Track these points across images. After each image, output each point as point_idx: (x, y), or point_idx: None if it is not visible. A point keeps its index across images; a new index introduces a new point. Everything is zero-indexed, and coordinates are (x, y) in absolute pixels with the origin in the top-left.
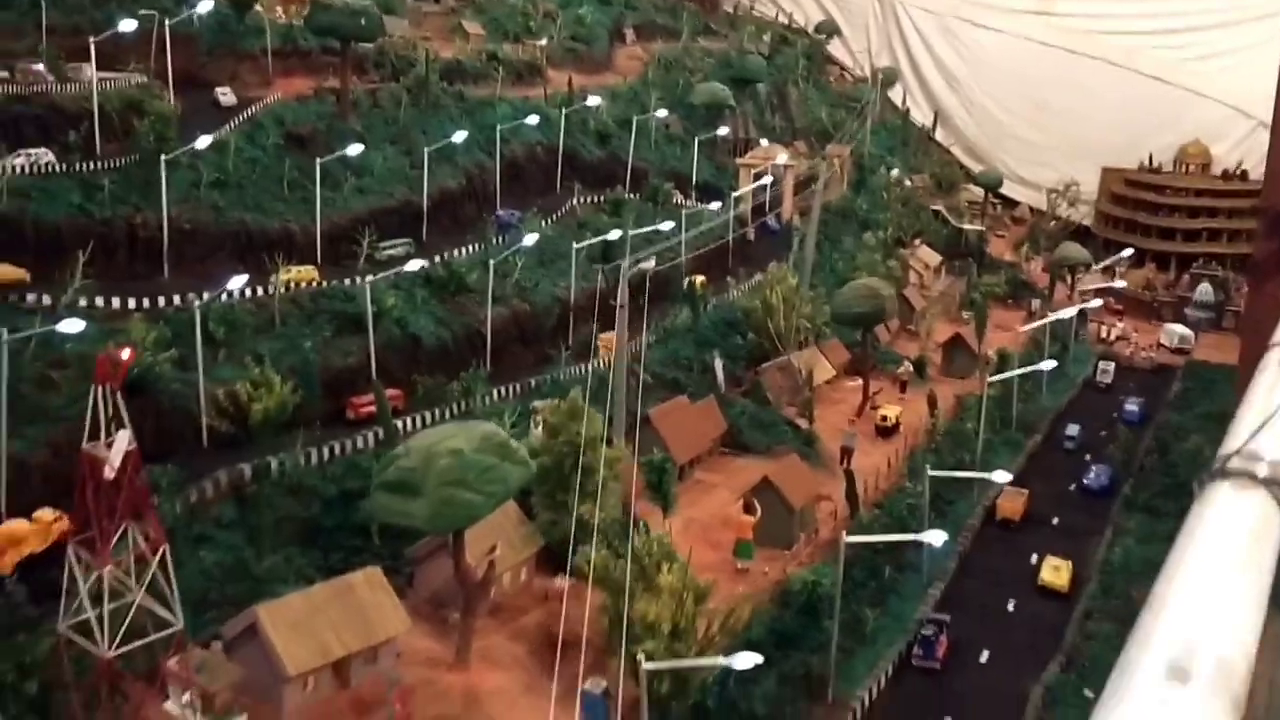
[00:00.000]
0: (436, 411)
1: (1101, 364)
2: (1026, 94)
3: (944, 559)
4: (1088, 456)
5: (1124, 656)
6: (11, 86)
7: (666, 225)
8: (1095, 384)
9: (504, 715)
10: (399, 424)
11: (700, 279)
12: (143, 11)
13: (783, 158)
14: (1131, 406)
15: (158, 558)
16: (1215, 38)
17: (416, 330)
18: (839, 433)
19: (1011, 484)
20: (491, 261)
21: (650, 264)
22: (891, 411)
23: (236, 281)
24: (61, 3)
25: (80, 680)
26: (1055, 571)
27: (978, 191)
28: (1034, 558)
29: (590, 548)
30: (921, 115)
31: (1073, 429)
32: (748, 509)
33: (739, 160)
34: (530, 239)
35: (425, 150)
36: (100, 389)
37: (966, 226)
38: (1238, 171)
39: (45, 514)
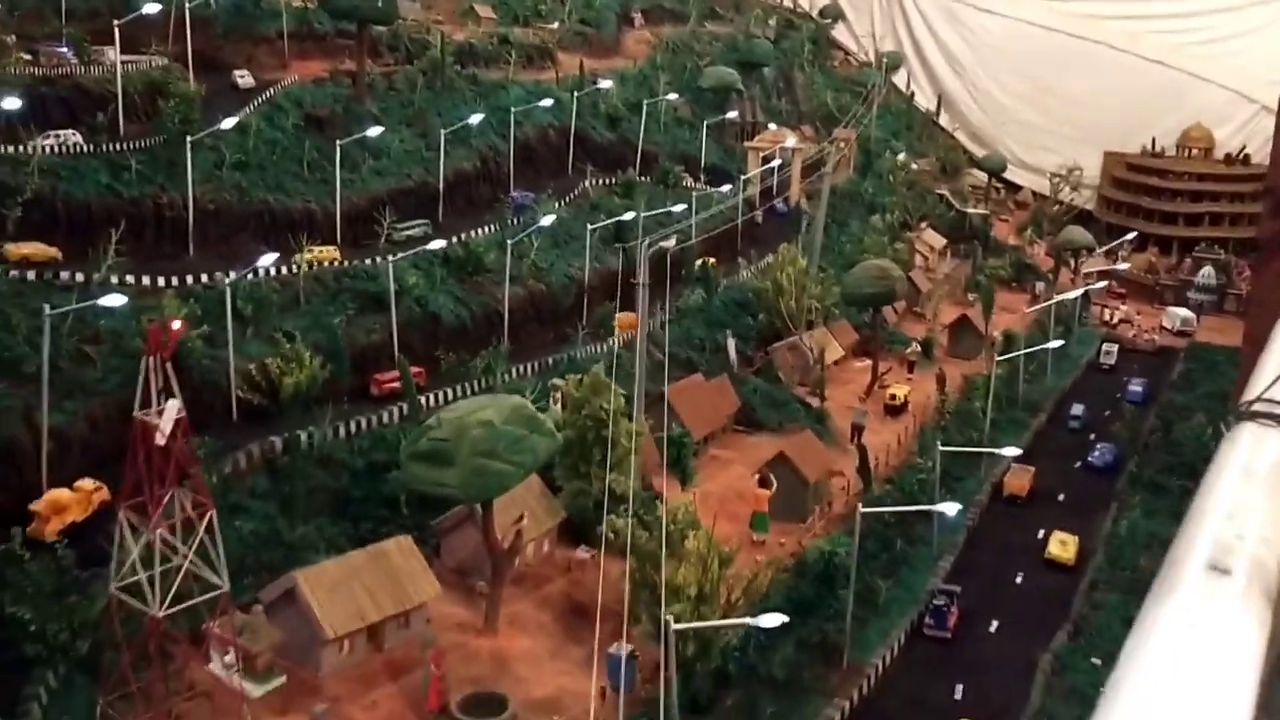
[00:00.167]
0: (458, 388)
1: (1105, 346)
2: (1030, 78)
3: (953, 533)
4: (1092, 435)
5: (1169, 555)
6: (36, 69)
7: (678, 207)
8: (1099, 365)
9: (533, 676)
10: (422, 399)
11: (711, 260)
12: None
13: (790, 141)
14: (1135, 387)
15: (205, 522)
16: (1217, 22)
17: (436, 309)
18: (849, 411)
19: (1018, 461)
20: (509, 242)
21: (671, 242)
22: (900, 391)
23: (267, 259)
24: None
25: (130, 640)
26: (1062, 546)
27: (981, 176)
28: (1040, 532)
29: (618, 516)
30: (925, 100)
31: (1077, 409)
32: (763, 483)
33: (747, 144)
34: (548, 220)
35: (441, 132)
36: (151, 359)
37: (971, 210)
38: (1240, 156)
39: (86, 484)
